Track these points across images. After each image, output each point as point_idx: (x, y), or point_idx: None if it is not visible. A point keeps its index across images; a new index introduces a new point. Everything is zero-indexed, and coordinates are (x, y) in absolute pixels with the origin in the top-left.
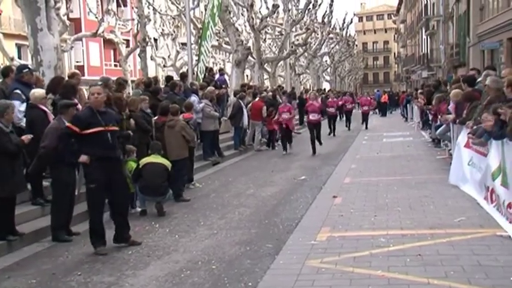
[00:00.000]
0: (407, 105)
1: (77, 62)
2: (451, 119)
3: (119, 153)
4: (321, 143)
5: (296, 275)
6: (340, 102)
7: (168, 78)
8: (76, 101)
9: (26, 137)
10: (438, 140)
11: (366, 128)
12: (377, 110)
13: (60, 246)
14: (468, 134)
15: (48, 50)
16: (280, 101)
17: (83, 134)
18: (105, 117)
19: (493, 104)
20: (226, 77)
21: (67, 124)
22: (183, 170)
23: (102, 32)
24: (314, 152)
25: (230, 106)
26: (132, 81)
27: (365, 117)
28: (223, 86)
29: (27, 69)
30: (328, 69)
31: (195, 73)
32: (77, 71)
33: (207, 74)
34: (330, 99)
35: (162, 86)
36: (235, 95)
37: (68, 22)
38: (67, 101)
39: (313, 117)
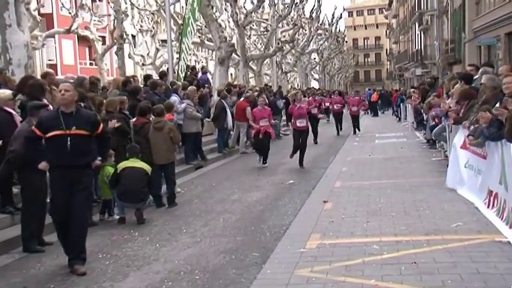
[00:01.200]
0: (401, 104)
1: (50, 60)
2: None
3: (84, 160)
4: (303, 152)
5: (284, 285)
6: (327, 103)
7: (147, 77)
8: (46, 101)
9: None
10: (433, 140)
11: (355, 132)
12: (369, 111)
13: (31, 258)
14: (468, 136)
15: (18, 48)
16: (267, 101)
17: (46, 138)
18: (71, 120)
19: (489, 103)
20: (209, 75)
21: (32, 127)
22: (173, 174)
23: (76, 28)
24: (301, 163)
25: (213, 106)
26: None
27: (354, 120)
28: (206, 85)
29: None
30: (317, 67)
31: (176, 72)
32: (50, 71)
33: (188, 72)
34: (309, 98)
35: (140, 85)
36: (219, 95)
37: (39, 18)
38: (37, 102)
39: (300, 123)
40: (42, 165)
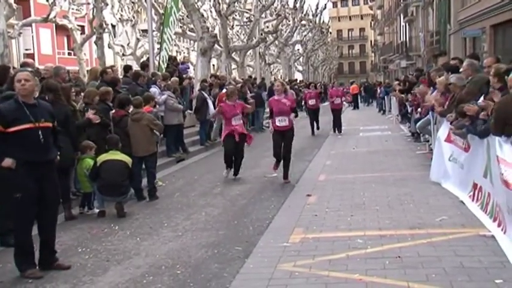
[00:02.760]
0: (385, 97)
1: (26, 49)
2: (431, 99)
3: (54, 155)
4: (288, 160)
5: (267, 280)
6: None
7: (126, 68)
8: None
9: None
10: (418, 134)
11: (340, 131)
12: (352, 104)
13: (8, 252)
14: (451, 125)
15: None
16: (249, 93)
17: (7, 133)
18: (36, 112)
19: (465, 100)
20: (190, 66)
21: None
22: (154, 168)
23: (54, 17)
24: (286, 176)
25: (195, 98)
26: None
27: (337, 116)
28: (184, 75)
29: None
30: (301, 59)
31: (158, 62)
32: (29, 60)
33: (170, 63)
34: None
35: (120, 76)
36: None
37: (15, 5)
38: (9, 93)
39: (281, 122)
40: (8, 162)
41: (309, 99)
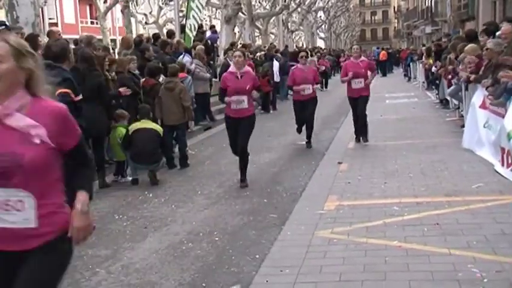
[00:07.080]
0: (410, 64)
1: (50, 19)
2: (464, 76)
3: None
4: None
5: (306, 246)
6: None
7: (156, 36)
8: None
9: None
10: (446, 100)
11: (365, 139)
12: (378, 70)
13: None
14: (488, 96)
15: (25, 5)
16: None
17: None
18: None
19: (501, 66)
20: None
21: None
22: (185, 136)
23: None
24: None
25: (220, 66)
26: (112, 40)
27: (358, 109)
28: (215, 44)
29: (3, 27)
30: (323, 26)
31: (184, 31)
32: (55, 29)
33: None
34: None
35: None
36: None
37: None
38: (48, 61)
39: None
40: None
41: (300, 83)
